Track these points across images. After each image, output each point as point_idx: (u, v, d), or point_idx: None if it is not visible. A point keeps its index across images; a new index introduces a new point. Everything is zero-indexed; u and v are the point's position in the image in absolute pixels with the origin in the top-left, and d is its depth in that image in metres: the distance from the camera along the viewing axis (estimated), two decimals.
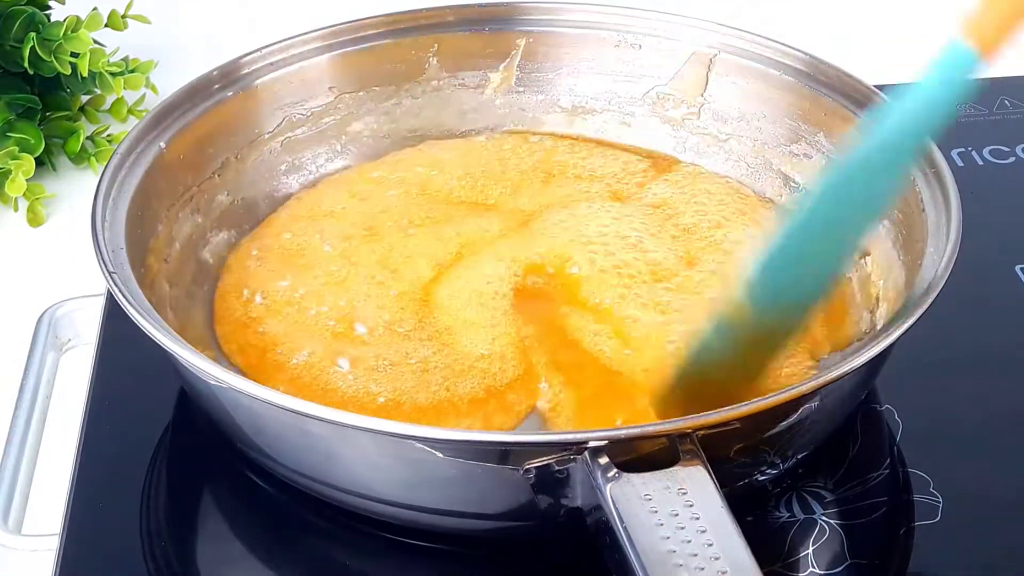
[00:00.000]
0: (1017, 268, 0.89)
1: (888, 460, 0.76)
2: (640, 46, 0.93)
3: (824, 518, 0.72)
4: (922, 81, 0.67)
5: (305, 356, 0.78)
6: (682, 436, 0.61)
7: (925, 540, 0.72)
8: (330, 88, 0.92)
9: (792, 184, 0.89)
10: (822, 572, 0.69)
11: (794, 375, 0.77)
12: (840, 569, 0.70)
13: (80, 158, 1.03)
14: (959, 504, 0.73)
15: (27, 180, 0.97)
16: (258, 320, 0.81)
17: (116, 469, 0.76)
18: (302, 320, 0.80)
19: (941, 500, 0.73)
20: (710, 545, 0.57)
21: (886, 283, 0.80)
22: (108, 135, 1.04)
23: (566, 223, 0.86)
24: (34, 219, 0.98)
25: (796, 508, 0.72)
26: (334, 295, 0.81)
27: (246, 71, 0.88)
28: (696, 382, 0.71)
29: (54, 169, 1.03)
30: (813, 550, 0.70)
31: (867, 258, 0.83)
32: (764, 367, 0.71)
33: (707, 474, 0.60)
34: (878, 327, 0.78)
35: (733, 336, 0.69)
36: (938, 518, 0.72)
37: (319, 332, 0.79)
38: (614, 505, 0.59)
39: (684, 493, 0.59)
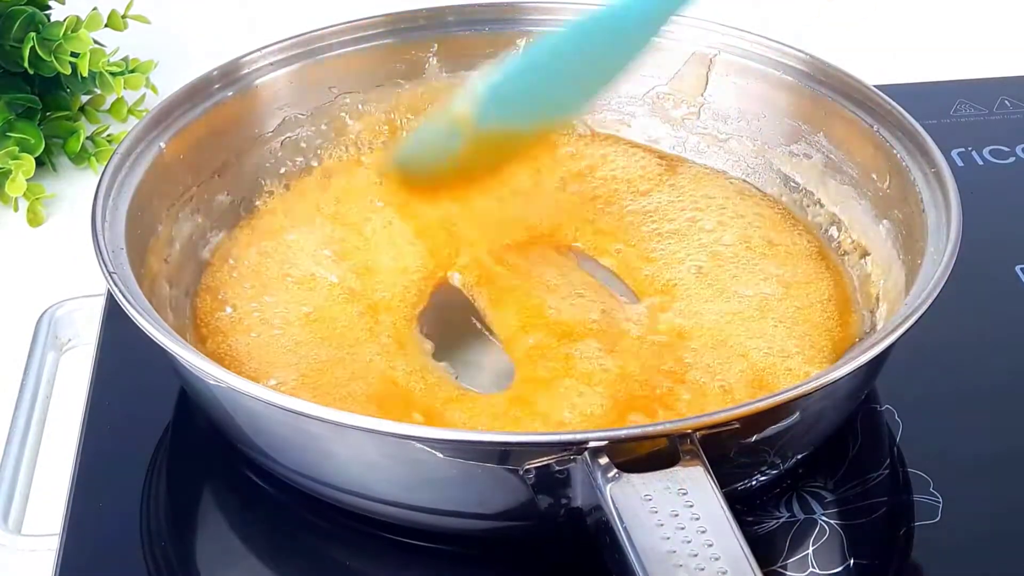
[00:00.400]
0: (1017, 268, 0.89)
1: (888, 460, 0.76)
2: None
3: (824, 518, 0.72)
4: None
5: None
6: (682, 436, 0.61)
7: (925, 540, 0.72)
8: (330, 88, 0.91)
9: (792, 184, 0.89)
10: (822, 572, 0.69)
11: (794, 375, 0.77)
12: (840, 569, 0.70)
13: (80, 158, 1.03)
14: (959, 504, 0.73)
15: (27, 180, 0.97)
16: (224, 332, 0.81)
17: (116, 469, 0.76)
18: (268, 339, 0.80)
19: (941, 500, 0.73)
20: (710, 545, 0.57)
21: (886, 283, 0.80)
22: (108, 135, 1.04)
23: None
24: (34, 219, 0.98)
25: (796, 508, 0.72)
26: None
27: (246, 71, 0.88)
28: (417, 168, 0.78)
29: (54, 169, 1.03)
30: (813, 550, 0.70)
31: (867, 258, 0.83)
32: (482, 170, 0.79)
33: (707, 474, 0.60)
34: (878, 327, 0.78)
35: (449, 136, 0.74)
36: (938, 518, 0.72)
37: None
38: (614, 505, 0.59)
39: (684, 493, 0.59)
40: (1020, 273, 0.88)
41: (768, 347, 0.78)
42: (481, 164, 0.78)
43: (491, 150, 0.76)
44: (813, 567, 0.70)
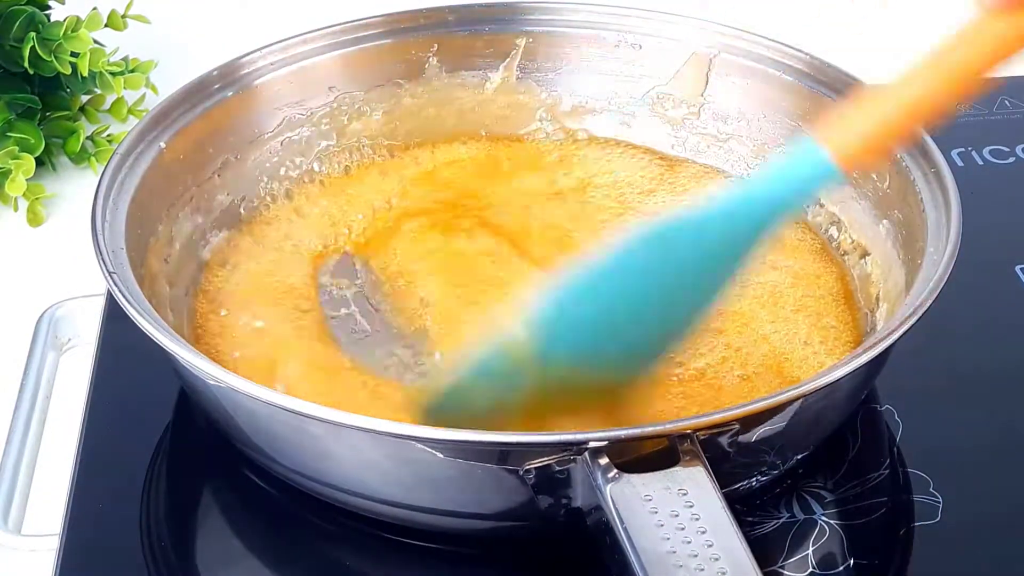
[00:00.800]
0: (1017, 268, 0.89)
1: (888, 460, 0.76)
2: (640, 46, 0.93)
3: (824, 518, 0.72)
4: (772, 174, 0.66)
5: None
6: (682, 437, 0.61)
7: (925, 540, 0.72)
8: (330, 88, 0.92)
9: None
10: (822, 572, 0.69)
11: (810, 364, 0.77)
12: (840, 569, 0.70)
13: (80, 158, 1.03)
14: (959, 504, 0.73)
15: (27, 180, 0.97)
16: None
17: (116, 469, 0.76)
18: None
19: (941, 500, 0.73)
20: (710, 546, 0.58)
21: (886, 283, 0.80)
22: (108, 135, 1.04)
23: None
24: (34, 219, 0.98)
25: (796, 508, 0.72)
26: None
27: (246, 71, 0.88)
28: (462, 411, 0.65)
29: (54, 169, 1.03)
30: (813, 550, 0.70)
31: (867, 258, 0.83)
32: (547, 415, 0.66)
33: (707, 475, 0.60)
34: (878, 327, 0.78)
35: (508, 374, 0.64)
36: (938, 518, 0.72)
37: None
38: (614, 505, 0.59)
39: (684, 494, 0.59)
40: (1020, 273, 0.88)
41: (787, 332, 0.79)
42: (550, 408, 0.65)
43: (563, 393, 0.64)
44: (813, 567, 0.70)
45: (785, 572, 0.70)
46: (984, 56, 0.66)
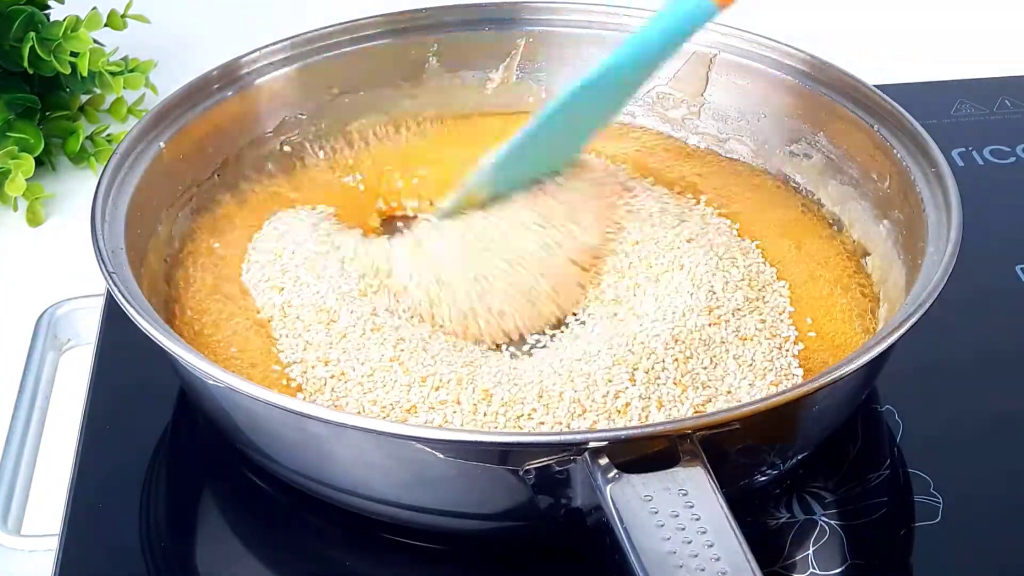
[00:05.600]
0: (1017, 268, 0.89)
1: (888, 461, 0.76)
2: None
3: (824, 519, 0.72)
4: (660, 16, 0.78)
5: None
6: (682, 437, 0.62)
7: (925, 541, 0.72)
8: (330, 88, 0.92)
9: (792, 184, 0.89)
10: (822, 573, 0.69)
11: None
12: (840, 570, 0.70)
13: (80, 158, 1.03)
14: (959, 505, 0.73)
15: (27, 180, 0.97)
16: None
17: (116, 469, 0.76)
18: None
19: (941, 501, 0.73)
20: (710, 546, 0.58)
21: (886, 283, 0.80)
22: (108, 135, 1.04)
23: None
24: (34, 219, 0.98)
25: (796, 509, 0.72)
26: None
27: (246, 71, 0.88)
28: None
29: (54, 169, 1.03)
30: (813, 551, 0.70)
31: (867, 258, 0.83)
32: None
33: (707, 475, 0.60)
34: (878, 327, 0.78)
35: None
36: (938, 519, 0.72)
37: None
38: (614, 506, 0.59)
39: (684, 494, 0.59)
40: (1020, 273, 0.88)
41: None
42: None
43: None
44: (813, 568, 0.70)
45: (785, 572, 0.70)
46: None
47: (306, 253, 0.81)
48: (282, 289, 0.80)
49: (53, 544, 0.71)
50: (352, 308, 0.78)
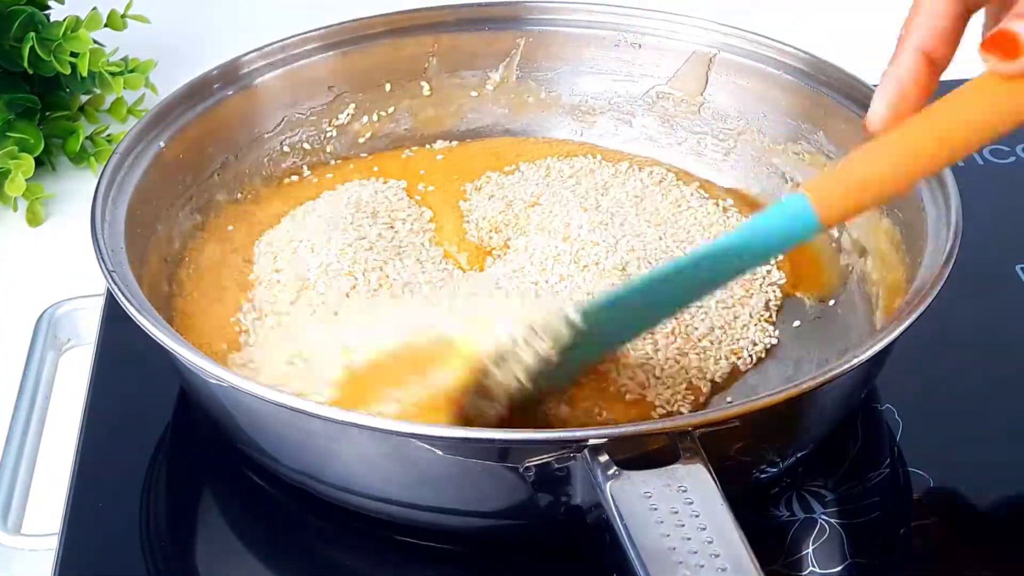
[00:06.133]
0: (1017, 268, 0.89)
1: (888, 459, 0.76)
2: (640, 45, 0.93)
3: (824, 517, 0.72)
4: (761, 220, 0.69)
5: None
6: (682, 434, 0.62)
7: (925, 540, 0.72)
8: (330, 88, 0.92)
9: (793, 183, 0.89)
10: (822, 571, 0.69)
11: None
12: (840, 568, 0.70)
13: (80, 158, 1.03)
14: (959, 504, 0.73)
15: (26, 180, 0.97)
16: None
17: (116, 469, 0.76)
18: None
19: (941, 499, 0.73)
20: (710, 543, 0.58)
21: (886, 283, 0.80)
22: (108, 135, 1.04)
23: None
24: (33, 219, 0.98)
25: (796, 507, 0.72)
26: None
27: (246, 70, 0.88)
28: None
29: (53, 169, 1.03)
30: (813, 549, 0.71)
31: (867, 257, 0.83)
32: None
33: (707, 472, 0.60)
34: (878, 326, 0.78)
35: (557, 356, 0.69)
36: (938, 518, 0.72)
37: None
38: (614, 503, 0.59)
39: (684, 491, 0.59)
40: (1020, 273, 0.88)
41: None
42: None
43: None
44: (813, 566, 0.70)
45: (785, 571, 0.70)
46: (985, 122, 0.64)
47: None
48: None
49: (53, 544, 0.71)
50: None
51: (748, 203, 0.90)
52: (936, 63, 0.67)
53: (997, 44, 0.62)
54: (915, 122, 0.65)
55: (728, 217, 0.87)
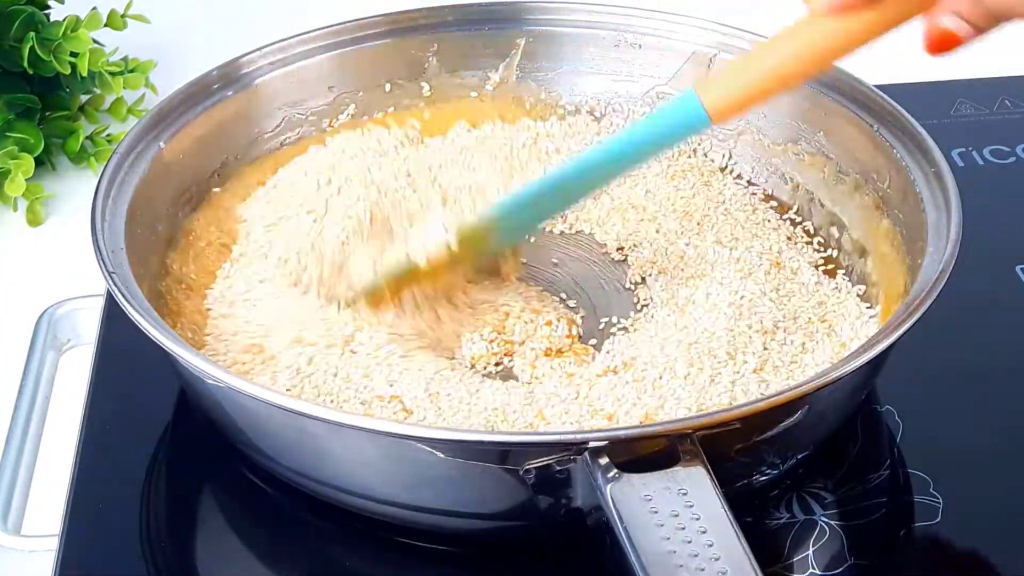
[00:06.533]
0: (1017, 268, 0.89)
1: (888, 461, 0.76)
2: (640, 46, 0.93)
3: (824, 519, 0.72)
4: (654, 117, 0.78)
5: None
6: (682, 436, 0.62)
7: (925, 541, 0.72)
8: (330, 88, 0.92)
9: (792, 183, 0.89)
10: (822, 573, 0.69)
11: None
12: (840, 570, 0.70)
13: (80, 158, 1.03)
14: (959, 505, 0.73)
15: (26, 180, 0.97)
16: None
17: (116, 469, 0.76)
18: None
19: (941, 501, 0.73)
20: (710, 545, 0.58)
21: (886, 283, 0.80)
22: (108, 135, 1.04)
23: None
24: (33, 219, 0.98)
25: (796, 509, 0.72)
26: None
27: (246, 71, 0.88)
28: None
29: (54, 169, 1.03)
30: (813, 551, 0.70)
31: (867, 258, 0.83)
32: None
33: (707, 474, 0.60)
34: (878, 328, 0.78)
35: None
36: (938, 519, 0.72)
37: None
38: (614, 505, 0.59)
39: (684, 493, 0.59)
40: (1020, 273, 0.88)
41: None
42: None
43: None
44: (813, 568, 0.70)
45: (785, 572, 0.70)
46: (812, 52, 0.71)
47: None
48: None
49: (53, 544, 0.71)
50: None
51: None
52: None
53: None
54: (784, 38, 0.71)
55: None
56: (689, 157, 0.93)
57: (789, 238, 0.86)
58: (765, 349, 0.76)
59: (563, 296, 0.83)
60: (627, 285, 0.84)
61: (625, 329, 0.80)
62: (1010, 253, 0.90)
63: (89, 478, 0.74)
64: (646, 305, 0.82)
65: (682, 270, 0.83)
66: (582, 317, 0.82)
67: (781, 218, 0.88)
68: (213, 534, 0.74)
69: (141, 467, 0.76)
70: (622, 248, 0.86)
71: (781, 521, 0.72)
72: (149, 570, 0.71)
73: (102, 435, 0.77)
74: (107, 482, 0.75)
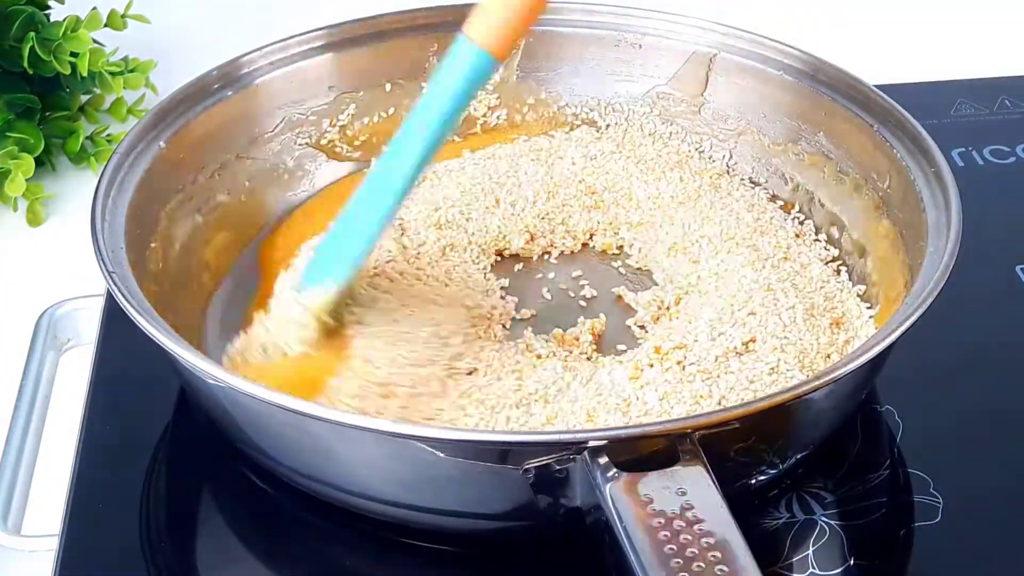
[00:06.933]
0: (1017, 268, 0.89)
1: (888, 461, 0.76)
2: (640, 45, 0.93)
3: (824, 519, 0.72)
4: (436, 80, 0.74)
5: None
6: (681, 436, 0.62)
7: (925, 541, 0.72)
8: (330, 88, 0.92)
9: (792, 183, 0.89)
10: (822, 573, 0.69)
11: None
12: (840, 570, 0.70)
13: (80, 158, 1.03)
14: (959, 505, 0.73)
15: (26, 180, 0.97)
16: None
17: (116, 469, 0.76)
18: None
19: (941, 501, 0.73)
20: (710, 545, 0.57)
21: (886, 283, 0.80)
22: (108, 135, 1.04)
23: None
24: (34, 219, 0.98)
25: (796, 509, 0.72)
26: None
27: (246, 70, 0.88)
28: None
29: (54, 169, 1.03)
30: (813, 551, 0.70)
31: (867, 258, 0.83)
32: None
33: (707, 474, 0.60)
34: (877, 328, 0.78)
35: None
36: (938, 519, 0.72)
37: None
38: (614, 505, 0.59)
39: (683, 493, 0.59)
40: (1020, 273, 0.88)
41: None
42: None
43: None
44: (813, 568, 0.70)
45: (785, 572, 0.70)
46: None
47: None
48: None
49: (53, 544, 0.71)
50: None
51: None
52: None
53: None
54: None
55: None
56: (691, 159, 0.93)
57: (797, 235, 0.87)
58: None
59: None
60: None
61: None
62: (1010, 253, 0.90)
63: (89, 478, 0.74)
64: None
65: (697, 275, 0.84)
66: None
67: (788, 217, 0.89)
68: (213, 534, 0.74)
69: (141, 467, 0.76)
70: (622, 248, 0.87)
71: (781, 521, 0.72)
72: (149, 570, 0.71)
73: (102, 435, 0.77)
74: (107, 482, 0.75)
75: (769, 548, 0.70)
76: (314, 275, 0.75)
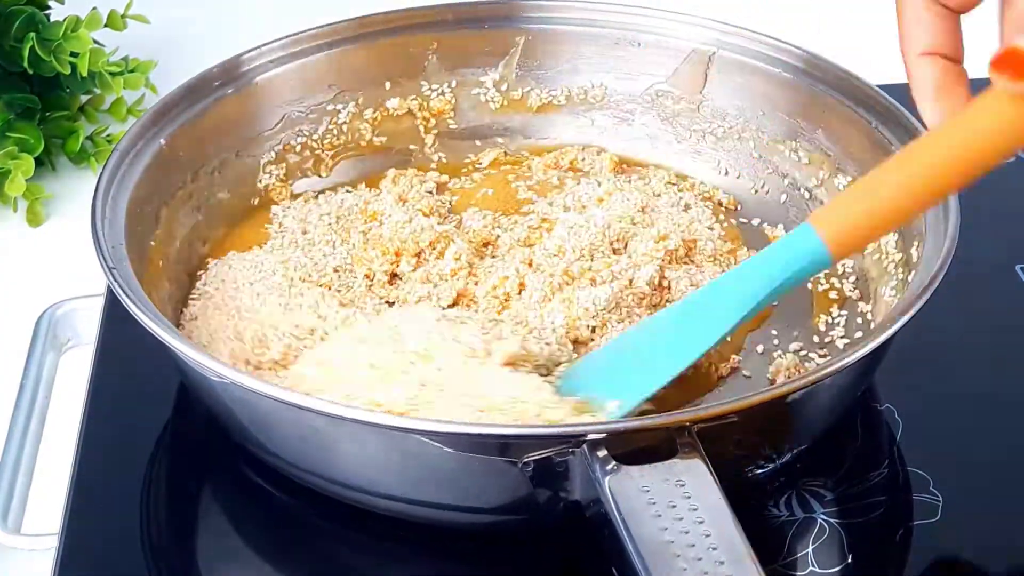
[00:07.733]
0: (1017, 268, 0.89)
1: (888, 459, 0.76)
2: (639, 43, 0.93)
3: (824, 517, 0.72)
4: (768, 256, 0.67)
5: None
6: (680, 429, 0.62)
7: (924, 539, 0.72)
8: (330, 86, 0.92)
9: (791, 181, 0.89)
10: (822, 571, 0.69)
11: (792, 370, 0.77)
12: (840, 568, 0.70)
13: (80, 158, 1.03)
14: (959, 504, 0.73)
15: (27, 180, 0.97)
16: None
17: (116, 469, 0.76)
18: None
19: (941, 499, 0.73)
20: (707, 536, 0.58)
21: (883, 281, 0.80)
22: (108, 135, 1.04)
23: None
24: (34, 219, 0.98)
25: (796, 507, 0.72)
26: None
27: (246, 68, 0.88)
28: None
29: (54, 169, 1.03)
30: (813, 549, 0.71)
31: (865, 256, 0.83)
32: None
33: (705, 466, 0.61)
34: (876, 324, 0.78)
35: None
36: (938, 517, 0.72)
37: None
38: (612, 497, 0.59)
39: (682, 485, 0.60)
40: (1020, 273, 0.88)
41: None
42: None
43: None
44: (813, 566, 0.70)
45: (785, 571, 0.70)
46: (997, 143, 0.61)
47: None
48: None
49: (53, 544, 0.71)
50: None
51: (748, 201, 0.90)
52: (949, 57, 0.65)
53: (1007, 63, 0.57)
54: (924, 146, 0.62)
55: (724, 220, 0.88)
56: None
57: None
58: None
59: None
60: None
61: None
62: (1010, 253, 0.90)
63: (89, 478, 0.74)
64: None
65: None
66: None
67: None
68: (214, 532, 0.74)
69: (141, 467, 0.76)
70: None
71: (780, 519, 0.72)
72: (149, 569, 0.71)
73: (102, 435, 0.77)
74: (107, 482, 0.75)
75: (769, 546, 0.70)
76: (591, 387, 0.71)
